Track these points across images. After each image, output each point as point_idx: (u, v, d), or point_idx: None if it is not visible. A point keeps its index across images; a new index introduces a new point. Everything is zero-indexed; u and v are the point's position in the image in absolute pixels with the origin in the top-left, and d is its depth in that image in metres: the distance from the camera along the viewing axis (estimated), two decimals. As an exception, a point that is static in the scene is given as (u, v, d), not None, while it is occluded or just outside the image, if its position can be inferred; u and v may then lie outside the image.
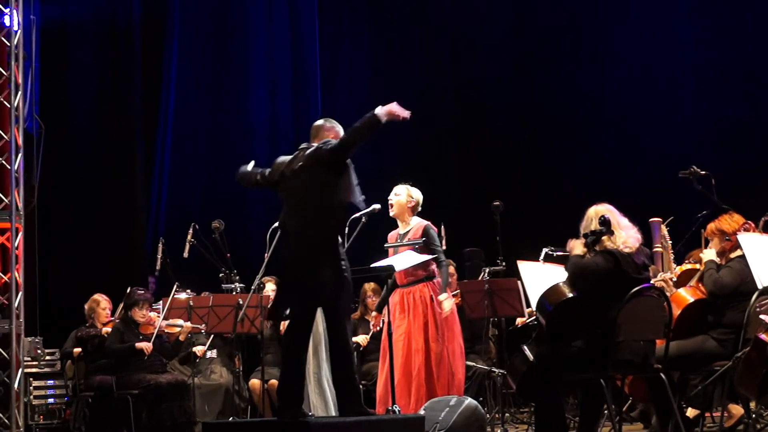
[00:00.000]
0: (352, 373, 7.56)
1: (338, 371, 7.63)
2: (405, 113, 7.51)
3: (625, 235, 7.27)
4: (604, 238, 7.24)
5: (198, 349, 11.11)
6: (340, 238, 7.63)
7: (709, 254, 8.22)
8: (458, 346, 9.20)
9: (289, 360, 7.55)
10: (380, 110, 7.45)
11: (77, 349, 11.03)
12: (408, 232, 9.34)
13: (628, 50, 14.74)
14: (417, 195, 9.47)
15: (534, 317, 10.39)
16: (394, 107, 7.47)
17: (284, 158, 7.83)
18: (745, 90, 13.81)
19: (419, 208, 9.48)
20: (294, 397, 7.46)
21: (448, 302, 9.16)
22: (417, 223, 9.36)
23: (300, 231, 7.54)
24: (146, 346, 10.37)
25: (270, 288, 10.83)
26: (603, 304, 7.17)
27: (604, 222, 7.25)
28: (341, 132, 7.80)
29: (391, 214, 9.43)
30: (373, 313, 9.75)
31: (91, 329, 10.98)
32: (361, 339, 11.16)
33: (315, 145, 7.69)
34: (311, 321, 7.63)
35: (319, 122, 7.91)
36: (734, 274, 7.92)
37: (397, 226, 9.58)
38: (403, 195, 9.40)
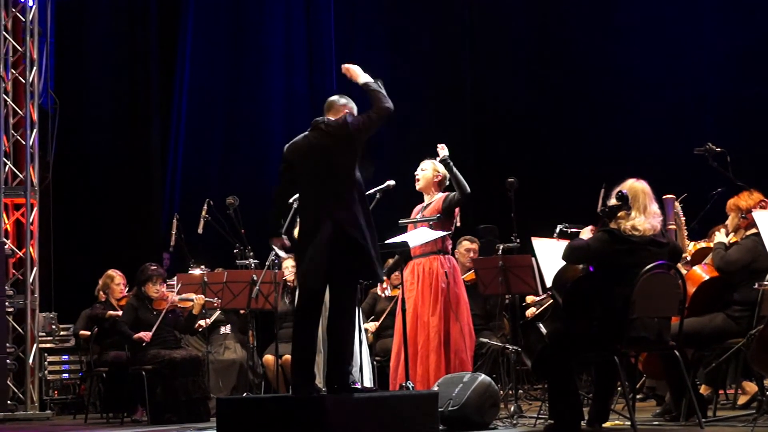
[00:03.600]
0: (343, 349, 7.53)
1: (331, 347, 7.60)
2: None
3: (643, 220, 7.22)
4: (620, 214, 7.22)
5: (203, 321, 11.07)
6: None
7: (719, 237, 8.19)
8: (466, 325, 9.16)
9: (301, 337, 7.53)
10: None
11: (85, 333, 11.05)
12: (429, 205, 9.33)
13: (647, 26, 14.67)
14: (443, 170, 9.45)
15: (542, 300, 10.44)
16: None
17: (296, 143, 7.71)
18: (763, 67, 13.74)
19: (446, 183, 9.46)
20: (308, 374, 7.47)
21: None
22: (439, 197, 9.35)
23: (326, 205, 7.46)
24: (145, 335, 10.36)
25: (290, 264, 10.84)
26: (617, 281, 7.16)
27: (622, 197, 7.22)
28: (355, 109, 7.75)
29: (417, 188, 9.42)
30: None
31: (101, 311, 10.99)
32: (371, 326, 11.20)
33: (331, 119, 7.62)
34: (322, 298, 7.61)
35: (335, 97, 7.85)
36: (743, 251, 7.89)
37: (419, 201, 9.57)
38: (429, 169, 9.38)
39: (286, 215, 7.82)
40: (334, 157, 7.47)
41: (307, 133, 7.66)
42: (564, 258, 7.42)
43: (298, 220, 8.17)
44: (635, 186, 7.36)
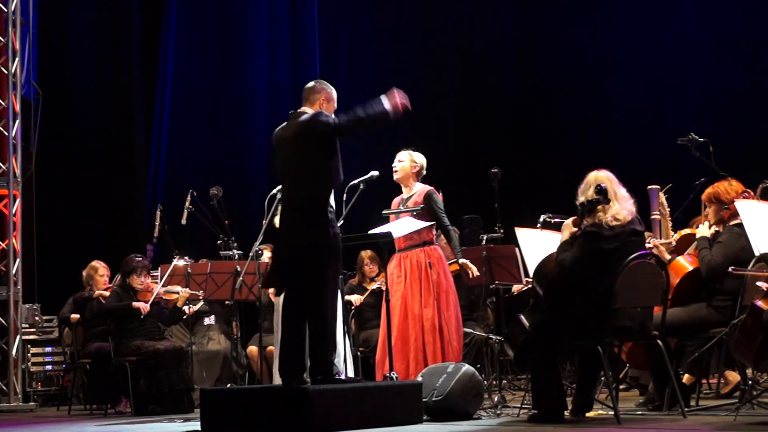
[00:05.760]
0: (325, 342, 7.58)
1: (313, 338, 7.63)
2: (408, 104, 7.56)
3: (618, 207, 7.25)
4: (599, 207, 7.23)
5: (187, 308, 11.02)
6: (330, 205, 7.65)
7: (702, 230, 8.18)
8: (454, 313, 9.19)
9: (289, 329, 7.56)
10: (389, 105, 7.48)
11: (75, 315, 11.04)
12: (410, 197, 9.32)
13: (630, 18, 14.70)
14: (420, 159, 9.45)
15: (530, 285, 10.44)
16: (399, 98, 7.50)
17: (278, 130, 7.79)
18: (746, 59, 13.77)
19: (424, 173, 9.46)
20: (298, 365, 7.50)
21: (470, 264, 9.17)
22: (420, 189, 9.34)
23: (289, 199, 7.57)
24: (143, 306, 10.36)
25: (267, 256, 10.83)
26: (599, 272, 7.17)
27: (601, 191, 7.23)
28: (333, 94, 7.80)
29: (395, 179, 9.42)
30: None
31: (87, 294, 10.98)
32: (355, 298, 11.20)
33: (309, 112, 7.65)
34: (304, 293, 7.63)
35: (310, 84, 7.87)
36: (725, 250, 7.88)
37: (398, 193, 9.56)
38: (407, 160, 9.38)
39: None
40: (301, 153, 7.53)
41: (287, 122, 7.73)
42: (561, 278, 7.39)
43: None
44: (600, 176, 7.38)
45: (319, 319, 7.50)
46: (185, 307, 10.88)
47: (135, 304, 10.37)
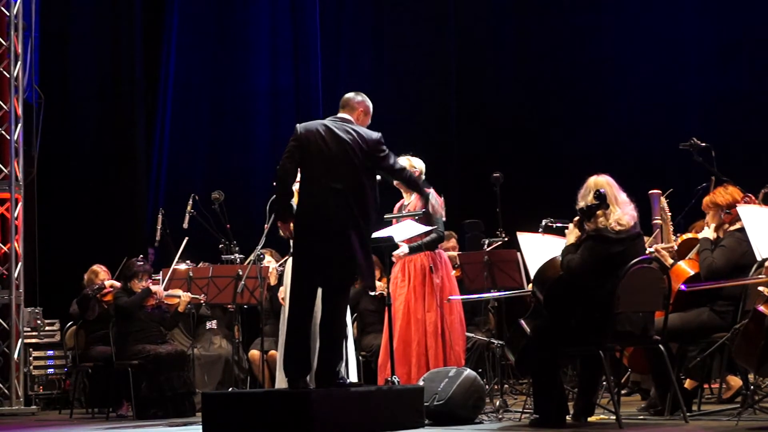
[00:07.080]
0: (337, 348, 7.62)
1: (323, 343, 7.65)
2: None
3: (621, 213, 7.24)
4: (599, 212, 7.23)
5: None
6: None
7: (705, 233, 8.17)
8: (457, 317, 9.20)
9: (295, 329, 7.57)
10: (434, 200, 8.66)
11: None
12: (411, 201, 9.34)
13: (632, 21, 14.68)
14: (419, 165, 9.47)
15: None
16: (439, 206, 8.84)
17: (312, 126, 7.73)
18: (747, 62, 13.77)
19: (423, 177, 9.46)
20: (304, 366, 7.51)
21: (401, 249, 9.18)
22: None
23: (339, 206, 7.54)
24: (159, 290, 10.41)
25: (268, 260, 10.83)
26: (600, 277, 7.17)
27: (600, 196, 7.22)
28: (371, 109, 7.97)
29: (395, 184, 9.44)
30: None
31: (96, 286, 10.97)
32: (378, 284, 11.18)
33: (363, 131, 7.71)
34: (315, 291, 7.65)
35: (351, 94, 7.98)
36: (728, 254, 7.87)
37: (400, 198, 9.57)
38: (406, 166, 9.40)
39: (292, 197, 7.83)
40: (358, 158, 7.60)
41: (326, 122, 7.74)
42: (567, 281, 7.39)
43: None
44: (600, 181, 7.38)
45: (336, 329, 7.55)
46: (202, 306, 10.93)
47: (153, 287, 10.42)
